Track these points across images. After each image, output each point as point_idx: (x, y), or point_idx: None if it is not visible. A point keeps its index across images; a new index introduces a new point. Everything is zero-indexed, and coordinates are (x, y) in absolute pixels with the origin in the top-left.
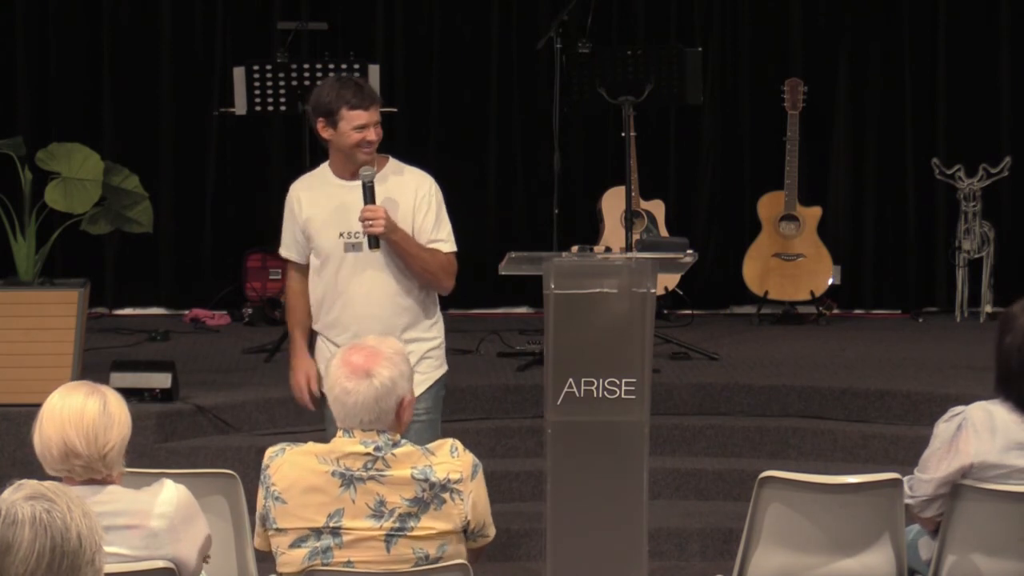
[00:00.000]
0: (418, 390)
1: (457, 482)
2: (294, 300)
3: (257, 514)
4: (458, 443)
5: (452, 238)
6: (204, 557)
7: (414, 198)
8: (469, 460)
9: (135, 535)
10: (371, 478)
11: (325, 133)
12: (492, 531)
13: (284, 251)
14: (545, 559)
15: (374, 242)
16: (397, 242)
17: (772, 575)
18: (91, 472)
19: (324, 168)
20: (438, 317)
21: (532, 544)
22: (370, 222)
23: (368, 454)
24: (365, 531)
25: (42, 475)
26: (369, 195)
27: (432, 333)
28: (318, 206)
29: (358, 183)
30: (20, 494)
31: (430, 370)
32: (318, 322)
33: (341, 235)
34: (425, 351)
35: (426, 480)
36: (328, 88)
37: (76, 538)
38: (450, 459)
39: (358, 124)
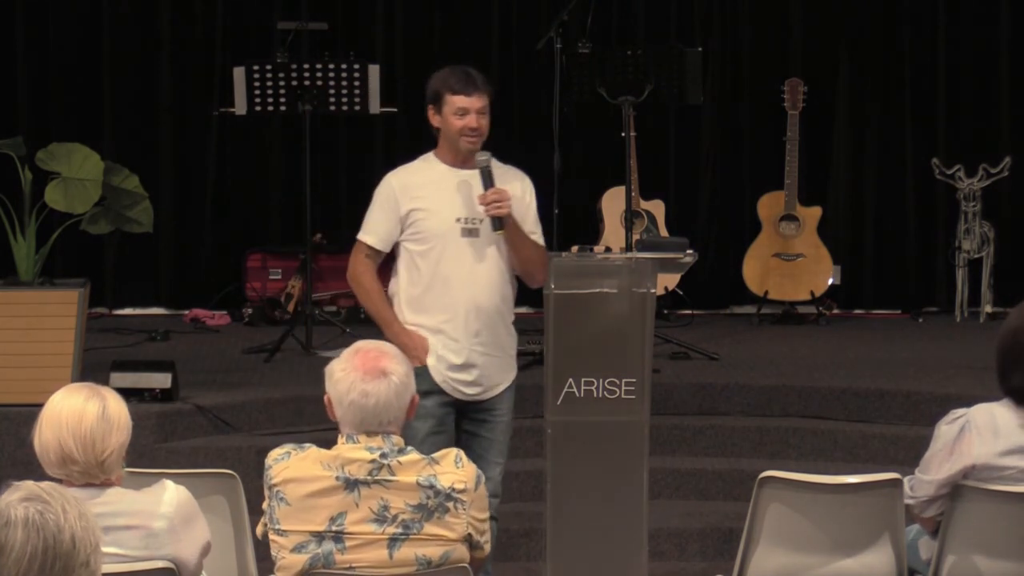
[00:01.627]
0: (501, 388)
1: (461, 492)
2: (373, 283)
3: (264, 505)
4: (462, 453)
5: (543, 236)
6: (203, 556)
7: (520, 188)
8: (473, 471)
9: (135, 536)
10: (376, 483)
11: (434, 120)
12: (489, 546)
13: (367, 237)
14: (545, 559)
15: (498, 224)
16: (513, 226)
17: (772, 575)
18: (89, 477)
19: (429, 157)
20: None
21: (532, 544)
22: (497, 204)
23: (373, 460)
24: (368, 535)
25: (43, 475)
26: (488, 179)
27: (512, 331)
28: (429, 191)
29: (469, 171)
30: (15, 496)
31: (512, 369)
32: (411, 311)
33: (458, 220)
34: (510, 346)
35: (431, 487)
36: (438, 75)
37: (70, 540)
38: (455, 469)
39: (459, 108)
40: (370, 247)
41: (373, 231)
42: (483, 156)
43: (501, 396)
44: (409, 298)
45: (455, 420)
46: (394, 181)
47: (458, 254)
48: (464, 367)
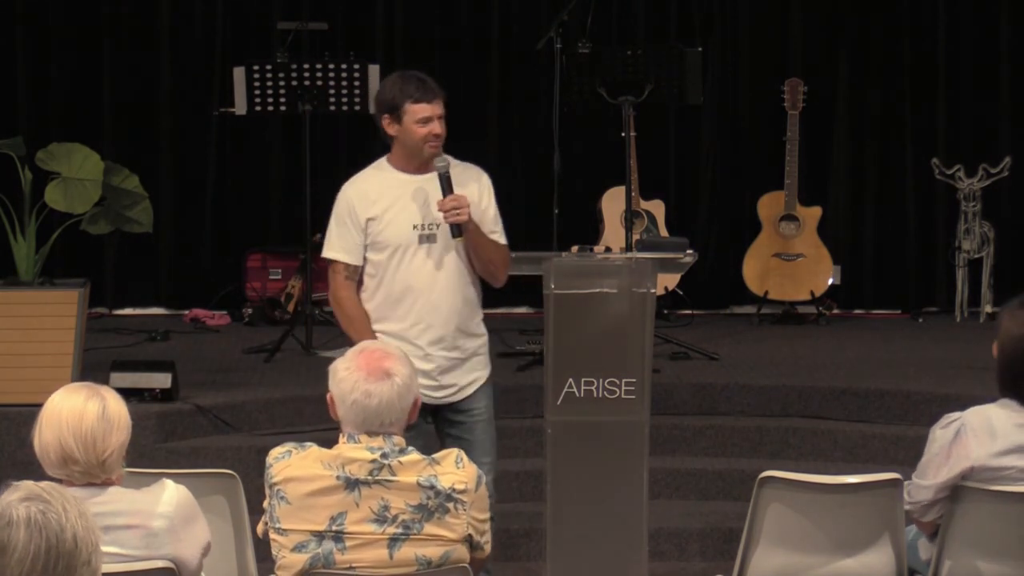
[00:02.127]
0: (474, 387)
1: (462, 492)
2: (356, 310)
3: (264, 504)
4: (463, 453)
5: (504, 233)
6: (203, 556)
7: (478, 191)
8: (473, 471)
9: (135, 535)
10: (377, 483)
11: (391, 129)
12: (489, 547)
13: (333, 253)
14: (545, 559)
15: (457, 231)
16: (473, 231)
17: (772, 575)
18: (89, 477)
19: (381, 164)
20: (482, 314)
21: (532, 544)
22: (456, 211)
23: (374, 460)
24: (368, 535)
25: (43, 475)
26: (447, 185)
27: (482, 330)
28: (385, 199)
29: (424, 176)
30: (16, 495)
31: (483, 367)
32: (379, 318)
33: (415, 226)
34: (478, 347)
35: (432, 488)
36: (391, 84)
37: (72, 539)
38: (455, 470)
39: (422, 117)
40: (344, 264)
41: (339, 247)
42: (442, 162)
43: (474, 395)
44: (373, 305)
45: (435, 426)
46: (350, 192)
47: (416, 261)
48: (428, 373)
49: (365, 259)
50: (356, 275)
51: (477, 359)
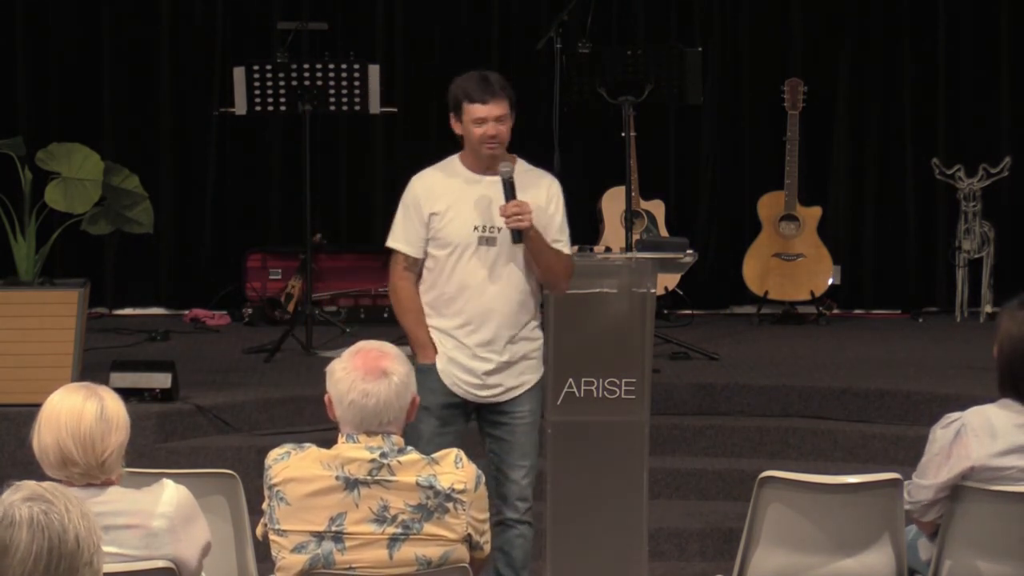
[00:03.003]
0: (520, 391)
1: (461, 492)
2: (412, 302)
3: (263, 506)
4: (462, 453)
5: (569, 242)
6: (203, 556)
7: (545, 197)
8: (472, 471)
9: (135, 535)
10: (376, 483)
11: (456, 127)
12: (488, 547)
13: (395, 243)
14: (545, 559)
15: (518, 236)
16: (534, 238)
17: (772, 575)
18: (89, 478)
19: (453, 161)
20: (540, 319)
21: (532, 544)
22: (518, 217)
23: (373, 460)
24: (367, 535)
25: (43, 475)
26: (510, 191)
27: (536, 334)
28: (449, 197)
29: (491, 178)
30: (18, 496)
31: (533, 371)
32: (433, 314)
33: (476, 228)
34: (529, 351)
35: (431, 488)
36: (457, 81)
37: (74, 539)
38: (455, 469)
39: (478, 117)
40: (405, 256)
41: (402, 238)
42: (506, 167)
43: (520, 399)
44: (428, 300)
45: (478, 425)
46: (417, 185)
47: (474, 262)
48: (474, 372)
49: (426, 253)
50: (416, 267)
51: (528, 363)
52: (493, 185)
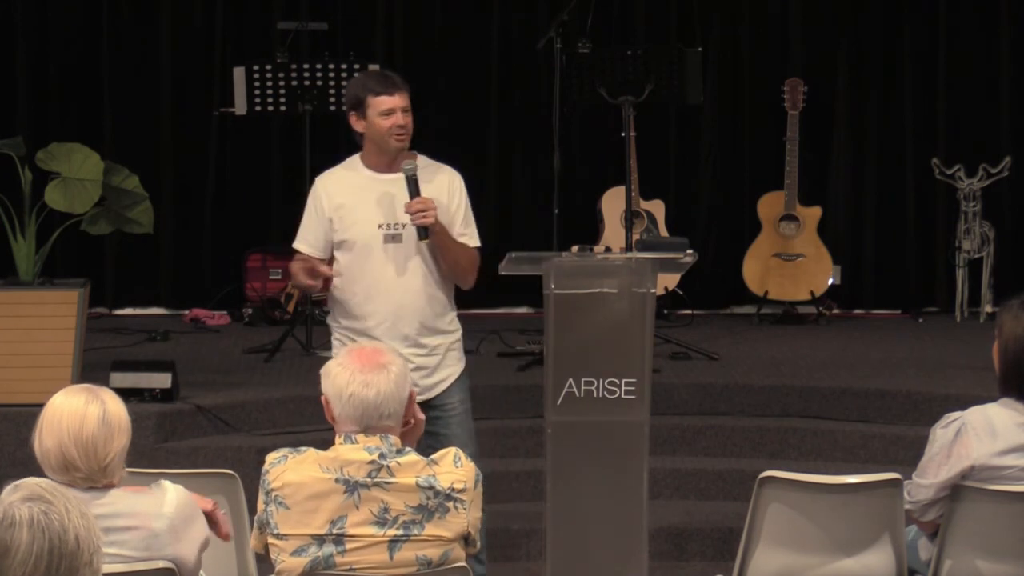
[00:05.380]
0: (446, 384)
1: (461, 491)
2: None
3: (256, 516)
4: (460, 452)
5: (477, 234)
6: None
7: (447, 192)
8: (472, 470)
9: (136, 536)
10: (376, 485)
11: (358, 126)
12: (479, 544)
13: (299, 244)
14: (545, 559)
15: (423, 233)
16: (439, 233)
17: (772, 575)
18: (91, 482)
19: (354, 161)
20: (455, 311)
21: (532, 544)
22: (422, 213)
23: (372, 461)
24: (368, 538)
25: (42, 476)
26: (414, 187)
27: (454, 326)
28: (352, 197)
29: (393, 176)
30: (17, 495)
31: (456, 363)
32: (342, 316)
33: (380, 226)
34: (450, 344)
35: (431, 488)
36: (354, 82)
37: (74, 539)
38: (454, 469)
39: (385, 109)
40: (300, 254)
41: (302, 238)
42: (409, 164)
43: (448, 391)
44: (339, 303)
45: None
46: (319, 185)
47: (381, 260)
48: None
49: (334, 258)
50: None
51: (450, 355)
52: (395, 183)
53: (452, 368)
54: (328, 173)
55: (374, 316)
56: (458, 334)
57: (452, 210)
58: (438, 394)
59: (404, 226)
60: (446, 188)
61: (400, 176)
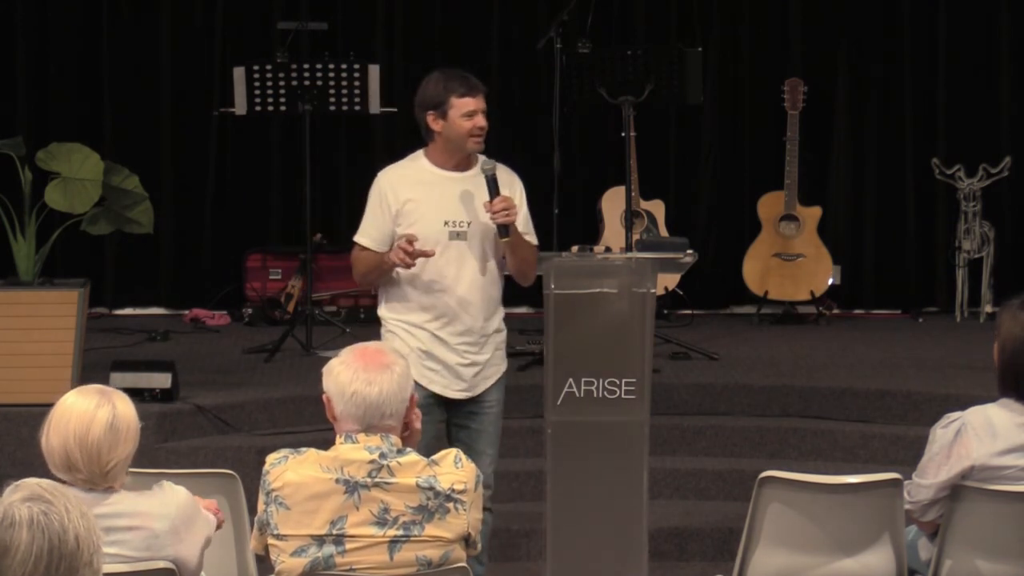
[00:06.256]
0: (490, 382)
1: (461, 492)
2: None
3: (256, 517)
4: (461, 453)
5: (535, 233)
6: (203, 550)
7: (518, 195)
8: (472, 470)
9: (137, 536)
10: (376, 485)
11: (436, 125)
12: (479, 546)
13: (361, 238)
14: (545, 559)
15: (505, 232)
16: (515, 232)
17: (772, 575)
18: (91, 484)
19: (418, 158)
20: (503, 311)
21: (532, 544)
22: (505, 212)
23: (372, 461)
24: (368, 538)
25: (44, 476)
26: (494, 187)
27: (503, 325)
28: (419, 192)
29: (460, 174)
30: (17, 495)
31: (501, 362)
32: (400, 307)
33: (447, 223)
34: (499, 342)
35: (431, 489)
36: (434, 81)
37: (74, 539)
38: (454, 469)
39: (468, 111)
40: (363, 248)
41: (366, 232)
42: (488, 164)
43: (489, 389)
44: (397, 295)
45: (445, 415)
46: (383, 180)
47: (445, 256)
48: (451, 368)
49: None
50: None
51: (497, 354)
52: (462, 180)
53: (497, 367)
54: (392, 168)
55: (433, 310)
56: (504, 333)
57: (521, 209)
58: (481, 392)
59: (469, 224)
60: (508, 186)
61: (467, 175)
